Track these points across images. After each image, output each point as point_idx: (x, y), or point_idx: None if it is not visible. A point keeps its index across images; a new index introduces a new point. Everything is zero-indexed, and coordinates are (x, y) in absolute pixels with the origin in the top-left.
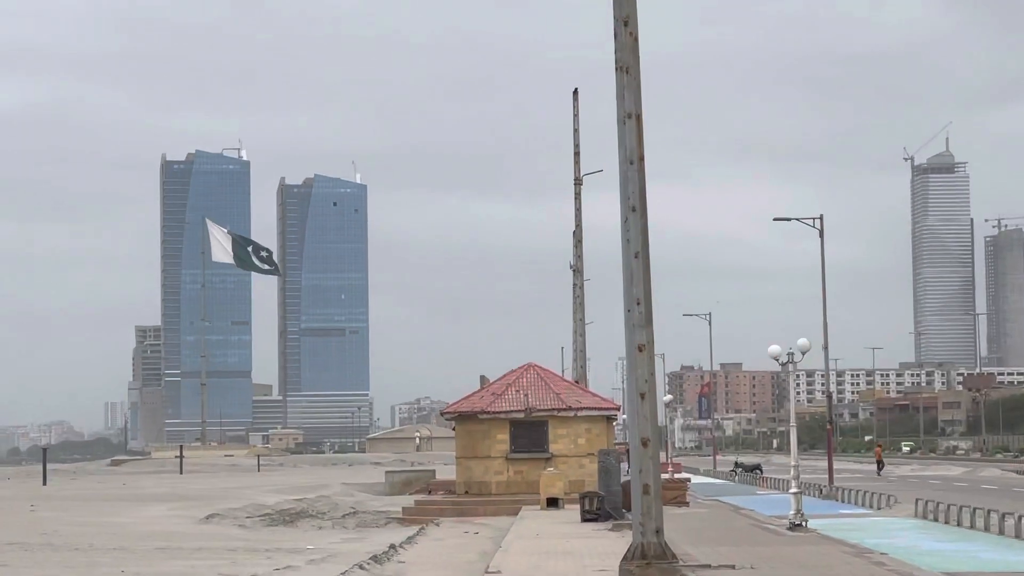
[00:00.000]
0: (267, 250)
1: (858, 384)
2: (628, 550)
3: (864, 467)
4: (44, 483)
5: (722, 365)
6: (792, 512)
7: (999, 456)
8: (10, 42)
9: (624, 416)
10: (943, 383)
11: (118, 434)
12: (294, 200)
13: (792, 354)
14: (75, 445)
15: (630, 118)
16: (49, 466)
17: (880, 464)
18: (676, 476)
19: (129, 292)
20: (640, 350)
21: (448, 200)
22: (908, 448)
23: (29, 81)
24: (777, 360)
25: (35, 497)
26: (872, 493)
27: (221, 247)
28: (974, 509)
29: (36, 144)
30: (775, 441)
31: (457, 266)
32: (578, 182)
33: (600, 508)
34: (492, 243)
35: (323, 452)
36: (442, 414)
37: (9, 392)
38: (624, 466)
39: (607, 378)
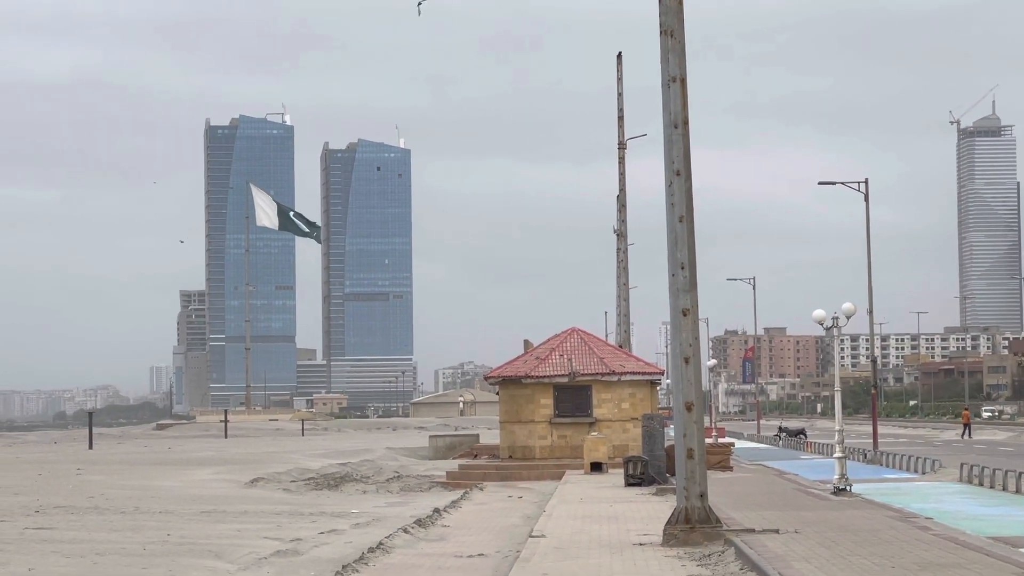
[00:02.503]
0: (312, 222)
1: (903, 348)
2: (672, 514)
3: (908, 431)
4: (90, 447)
5: (766, 329)
6: (836, 476)
7: None
8: (57, 9)
9: (668, 381)
10: (988, 347)
11: (163, 398)
12: (338, 165)
13: (837, 318)
14: (121, 409)
15: (674, 82)
16: (95, 430)
17: (967, 428)
18: (720, 440)
19: (174, 257)
20: (684, 314)
21: (492, 165)
22: (989, 415)
23: (76, 48)
24: (821, 324)
25: (81, 461)
26: (917, 458)
27: (265, 212)
28: (1020, 474)
29: (83, 111)
30: (819, 406)
31: (501, 231)
32: (622, 146)
33: (644, 472)
34: (536, 207)
35: (367, 416)
36: (486, 378)
37: (56, 357)
38: (668, 430)
39: (651, 342)
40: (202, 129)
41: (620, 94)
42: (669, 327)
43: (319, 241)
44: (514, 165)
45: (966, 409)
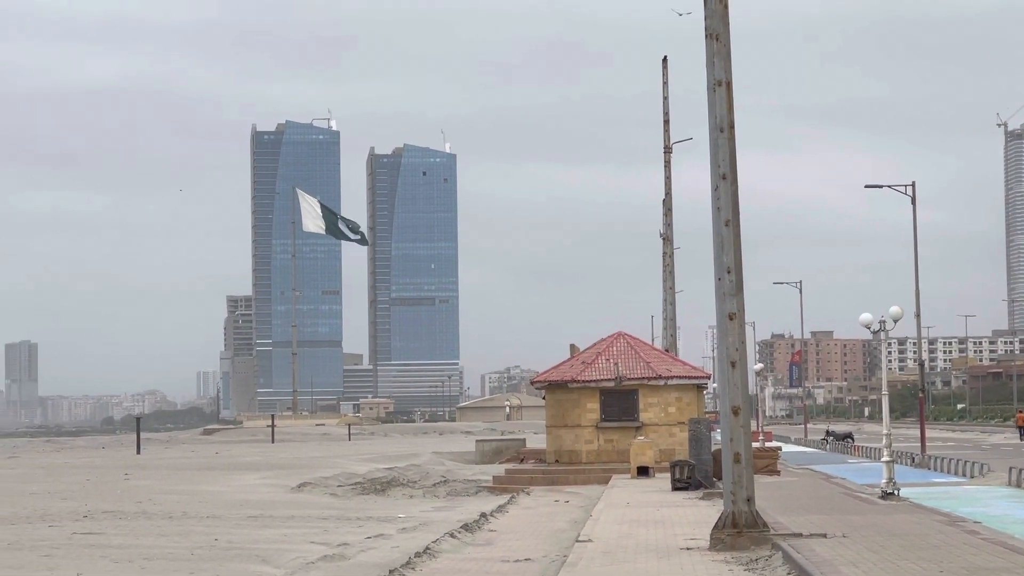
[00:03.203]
0: (356, 223)
1: (951, 352)
2: (719, 519)
3: (956, 435)
4: (138, 452)
5: (813, 333)
6: (884, 481)
7: None
8: (105, 14)
9: (715, 385)
10: None
11: (210, 403)
12: (384, 170)
13: (884, 322)
14: (168, 414)
15: (720, 85)
16: (143, 435)
17: (1022, 431)
18: (767, 445)
19: (221, 262)
20: (731, 318)
21: (538, 168)
22: None
23: (124, 53)
24: (869, 328)
25: (129, 466)
26: (965, 462)
27: (311, 217)
28: None
29: (130, 115)
30: (866, 409)
31: (547, 235)
32: (668, 150)
33: (691, 477)
34: (582, 211)
35: (413, 421)
36: (532, 383)
37: (104, 362)
38: (715, 434)
39: (697, 347)
40: (248, 135)
41: (666, 98)
42: (716, 331)
43: (365, 244)
44: (559, 169)
45: (1020, 412)
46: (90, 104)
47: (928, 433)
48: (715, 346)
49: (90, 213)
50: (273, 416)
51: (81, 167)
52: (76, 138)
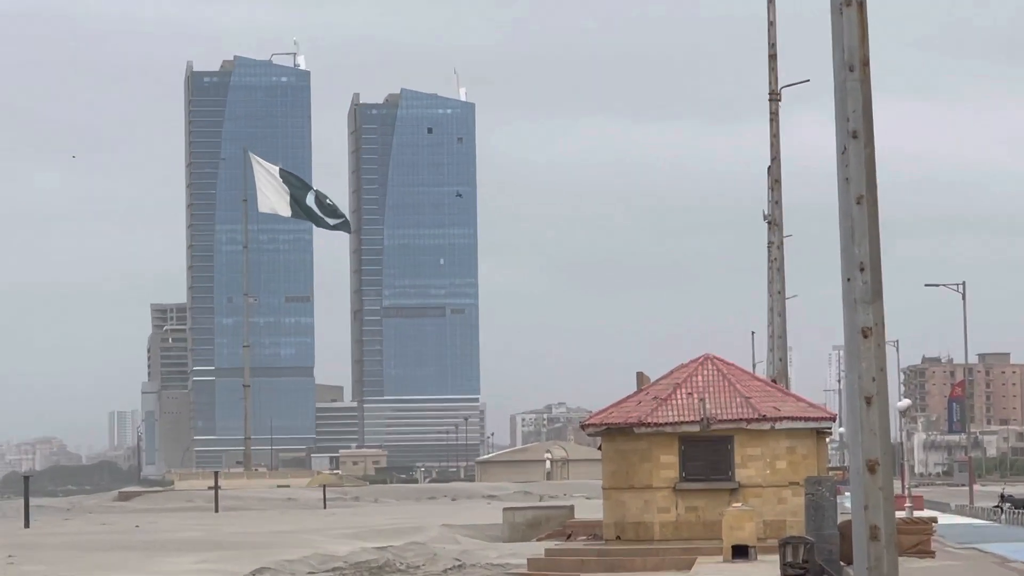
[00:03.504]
0: (332, 203)
1: None
2: None
3: None
4: (26, 525)
5: (981, 356)
6: None
7: None
8: None
9: (842, 429)
10: None
11: (128, 456)
12: (372, 126)
13: None
14: (69, 471)
15: (849, 5)
16: (33, 501)
17: None
18: (916, 514)
19: (142, 257)
20: (865, 335)
21: (588, 125)
22: None
23: None
24: None
25: (13, 545)
26: None
27: (271, 192)
28: None
29: (14, 58)
30: None
31: (602, 217)
32: (775, 96)
33: (808, 560)
34: (650, 185)
35: (415, 481)
36: (583, 427)
37: None
38: (842, 499)
39: (817, 375)
40: (182, 77)
41: (771, 22)
42: (843, 353)
43: (348, 230)
44: (619, 125)
45: None
46: None
47: None
48: (842, 374)
49: None
50: (217, 474)
51: None
52: None
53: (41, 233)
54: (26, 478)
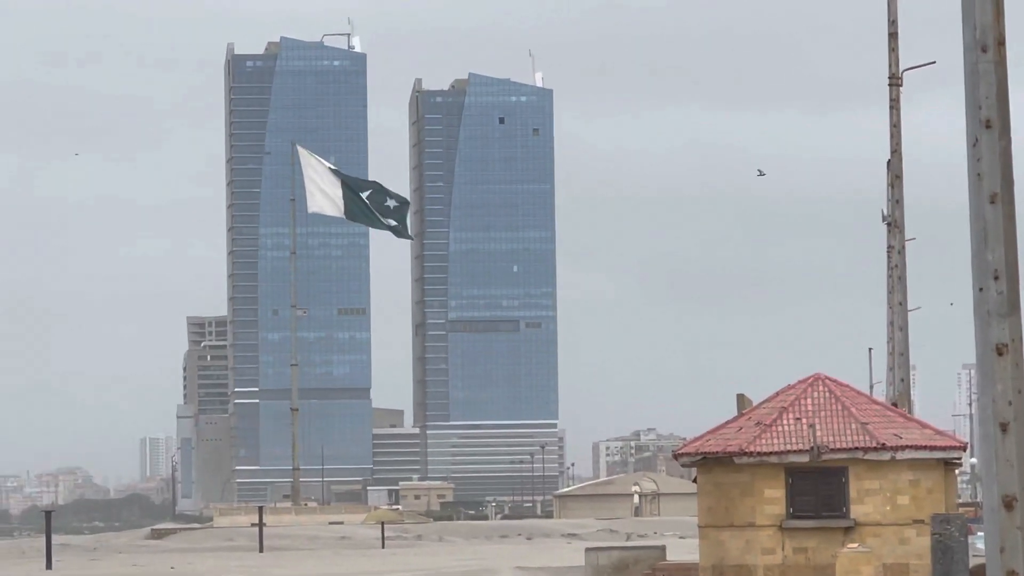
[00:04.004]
0: (399, 198)
1: None
2: None
3: None
4: (48, 566)
5: None
6: None
7: None
8: None
9: (973, 460)
10: None
11: (161, 488)
12: (437, 115)
13: None
14: (95, 505)
15: None
16: (56, 538)
17: None
18: None
19: (178, 266)
20: (999, 353)
21: (680, 114)
22: None
23: None
24: None
25: None
26: None
27: (321, 190)
28: None
29: (40, 45)
30: None
31: (697, 218)
32: (896, 81)
33: None
34: (751, 181)
35: (485, 518)
36: (675, 456)
37: None
38: (974, 540)
39: (944, 398)
40: (221, 61)
41: None
42: (974, 373)
43: (407, 236)
44: (715, 114)
45: None
46: None
47: None
48: (974, 397)
49: None
50: (261, 509)
51: None
52: None
53: (64, 236)
54: (48, 513)
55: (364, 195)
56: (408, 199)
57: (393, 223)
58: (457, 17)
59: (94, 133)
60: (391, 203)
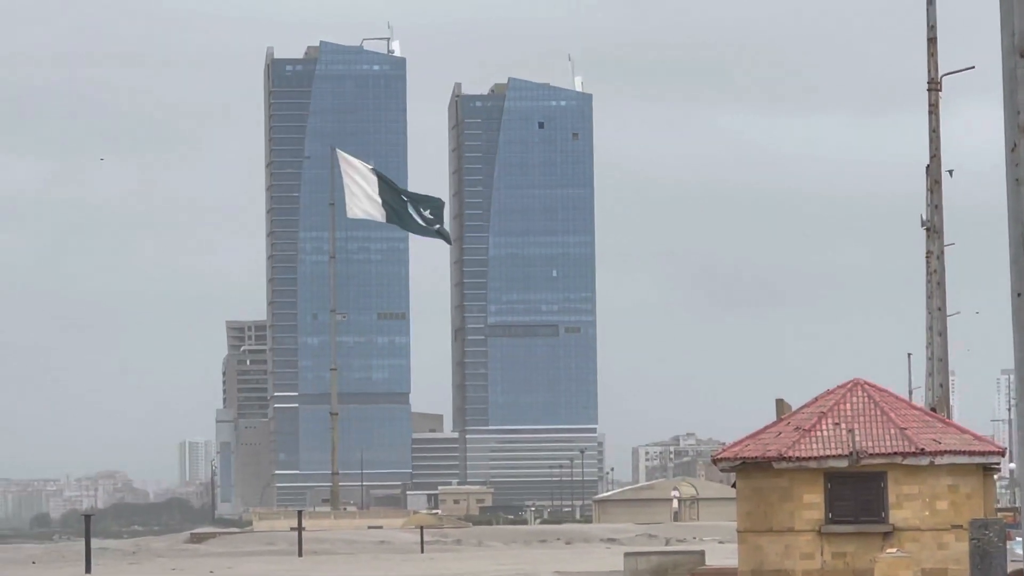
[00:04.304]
0: (436, 201)
1: None
2: None
3: None
4: (87, 570)
5: None
6: None
7: None
8: None
9: (1012, 465)
10: None
11: (201, 492)
12: (476, 119)
13: None
14: (134, 509)
15: None
16: (95, 542)
17: None
18: None
19: (217, 269)
20: None
21: (722, 117)
22: None
23: None
24: None
25: None
26: None
27: (361, 195)
28: None
29: (81, 48)
30: None
31: (736, 223)
32: (935, 86)
33: None
34: (789, 185)
35: (525, 522)
36: (714, 461)
37: (33, 429)
38: (1013, 546)
39: (982, 403)
40: (261, 65)
41: (931, 2)
42: (1013, 379)
43: (447, 240)
44: (754, 118)
45: None
46: (23, 32)
47: None
48: (1013, 402)
49: (17, 191)
50: (301, 513)
51: (9, 118)
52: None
53: (102, 240)
54: (87, 517)
55: (405, 201)
56: (441, 199)
57: (433, 227)
58: (497, 22)
59: (133, 137)
60: (428, 214)
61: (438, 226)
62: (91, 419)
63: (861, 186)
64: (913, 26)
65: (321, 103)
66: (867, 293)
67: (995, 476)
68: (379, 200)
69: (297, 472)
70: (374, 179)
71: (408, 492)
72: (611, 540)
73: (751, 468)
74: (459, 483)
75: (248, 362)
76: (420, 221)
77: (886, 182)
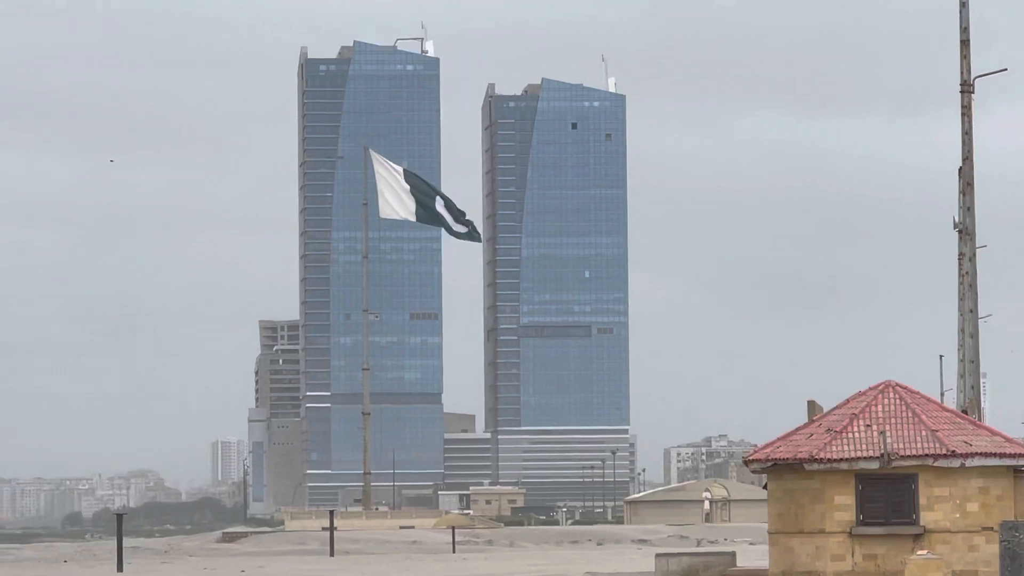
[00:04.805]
0: (459, 212)
1: None
2: None
3: None
4: (119, 568)
5: None
6: None
7: None
8: None
9: None
10: None
11: (233, 492)
12: (509, 120)
13: None
14: (166, 508)
15: None
16: (127, 541)
17: None
18: None
19: (250, 269)
20: None
21: (755, 119)
22: None
23: None
24: None
25: None
26: None
27: (394, 195)
28: None
29: (115, 48)
30: None
31: (768, 225)
32: (967, 88)
33: None
34: (821, 187)
35: (556, 523)
36: (746, 462)
37: (66, 429)
38: None
39: (1013, 405)
40: (295, 65)
41: (964, 3)
42: None
43: (478, 239)
44: (787, 120)
45: None
46: (50, 29)
47: None
48: None
49: (50, 192)
50: (332, 513)
51: (45, 118)
52: (27, 83)
53: (135, 240)
54: (119, 516)
55: (437, 202)
56: (463, 211)
57: (463, 228)
58: (530, 22)
59: (167, 136)
60: (464, 223)
61: (467, 228)
62: (124, 418)
63: (895, 188)
64: (946, 28)
65: (354, 103)
66: (899, 295)
67: None
68: (411, 200)
69: (329, 472)
70: (405, 179)
71: (440, 492)
72: (642, 541)
73: (782, 469)
74: (491, 483)
75: (281, 361)
76: (451, 222)
77: (920, 184)
